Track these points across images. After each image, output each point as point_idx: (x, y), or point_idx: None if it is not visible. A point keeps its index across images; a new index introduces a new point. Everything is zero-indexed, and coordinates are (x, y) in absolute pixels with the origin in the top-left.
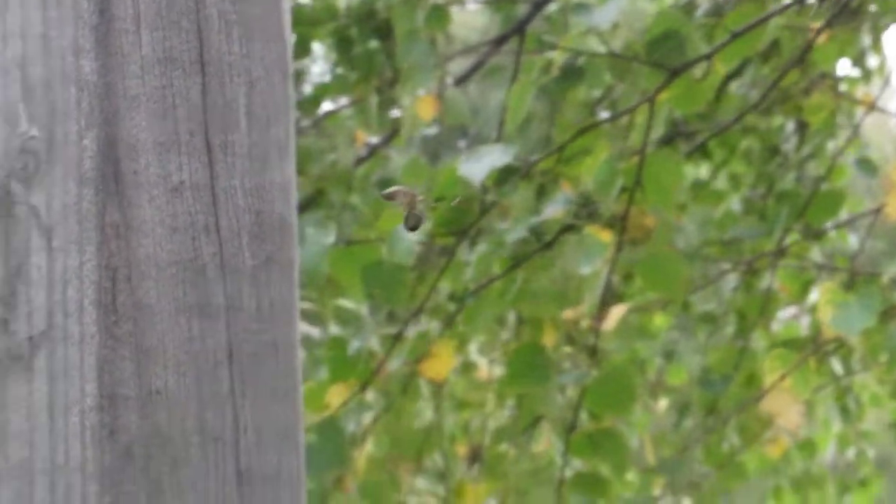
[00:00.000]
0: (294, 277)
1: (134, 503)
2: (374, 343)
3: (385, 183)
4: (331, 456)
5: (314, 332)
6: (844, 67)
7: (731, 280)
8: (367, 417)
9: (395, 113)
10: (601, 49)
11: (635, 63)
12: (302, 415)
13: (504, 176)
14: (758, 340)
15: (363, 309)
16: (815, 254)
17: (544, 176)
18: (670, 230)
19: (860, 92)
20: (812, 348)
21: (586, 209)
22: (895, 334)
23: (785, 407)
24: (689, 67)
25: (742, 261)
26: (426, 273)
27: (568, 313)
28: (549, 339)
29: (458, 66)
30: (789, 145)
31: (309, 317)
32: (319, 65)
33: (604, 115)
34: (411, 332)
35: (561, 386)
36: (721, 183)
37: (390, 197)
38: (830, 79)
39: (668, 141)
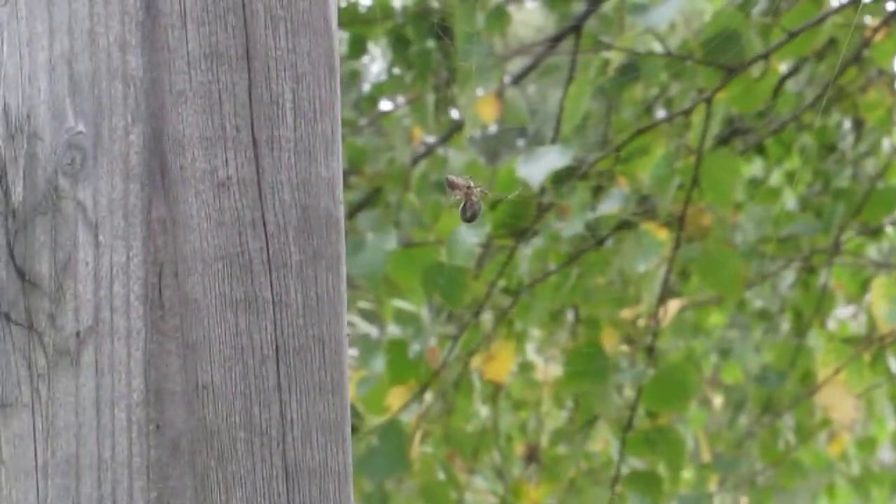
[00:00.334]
0: (341, 272)
1: (180, 498)
2: (434, 343)
3: (444, 185)
4: (393, 458)
5: (373, 330)
6: None
7: (788, 277)
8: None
9: (451, 112)
10: (658, 48)
11: (691, 62)
12: (348, 409)
13: (561, 176)
14: (814, 338)
15: (422, 311)
16: (872, 251)
17: (601, 176)
18: (727, 228)
19: None
20: (866, 342)
21: (643, 207)
22: None
23: (839, 400)
24: (746, 67)
25: (798, 258)
26: (484, 273)
27: (626, 313)
28: (608, 339)
29: (515, 65)
30: (846, 143)
31: (367, 315)
32: (378, 64)
33: (660, 114)
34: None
35: (618, 385)
36: (775, 180)
37: (450, 185)
38: (887, 76)
39: (724, 139)
